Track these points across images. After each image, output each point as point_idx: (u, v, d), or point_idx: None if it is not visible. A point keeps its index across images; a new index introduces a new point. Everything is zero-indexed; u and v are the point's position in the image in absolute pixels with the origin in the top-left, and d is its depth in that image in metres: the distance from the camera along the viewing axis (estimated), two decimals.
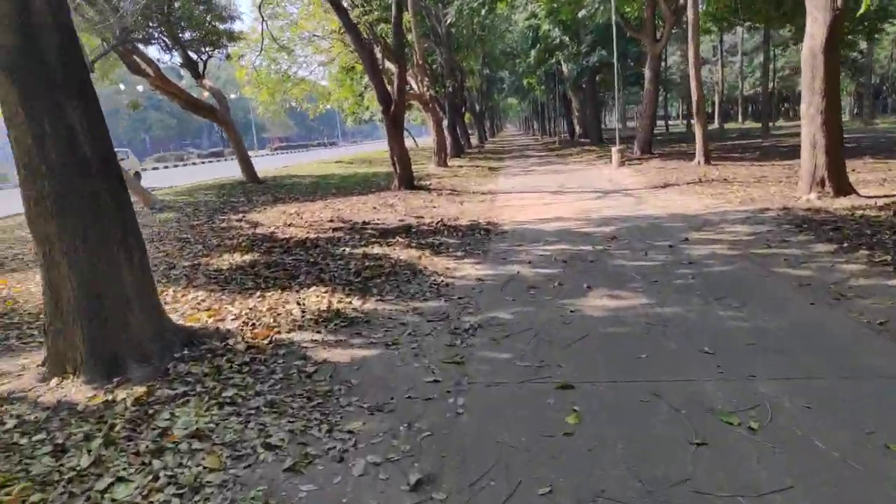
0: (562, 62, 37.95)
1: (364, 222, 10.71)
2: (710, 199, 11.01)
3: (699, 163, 16.66)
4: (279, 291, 6.02)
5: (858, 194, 9.47)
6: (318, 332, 4.86)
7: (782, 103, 66.52)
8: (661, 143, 29.87)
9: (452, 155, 29.14)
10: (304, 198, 15.38)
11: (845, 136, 10.25)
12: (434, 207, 12.26)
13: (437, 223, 10.22)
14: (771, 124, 33.20)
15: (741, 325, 4.60)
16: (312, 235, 9.34)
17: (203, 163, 46.76)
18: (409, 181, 15.25)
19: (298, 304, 5.53)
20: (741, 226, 8.32)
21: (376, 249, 7.93)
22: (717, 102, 68.48)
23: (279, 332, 4.84)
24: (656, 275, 6.14)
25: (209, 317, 5.30)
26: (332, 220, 10.99)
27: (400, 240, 8.66)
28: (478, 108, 52.94)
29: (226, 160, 50.36)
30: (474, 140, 48.85)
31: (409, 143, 54.42)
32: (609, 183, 14.99)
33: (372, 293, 5.92)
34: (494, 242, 8.34)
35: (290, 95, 33.33)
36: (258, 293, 5.99)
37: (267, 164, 37.22)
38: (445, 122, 31.09)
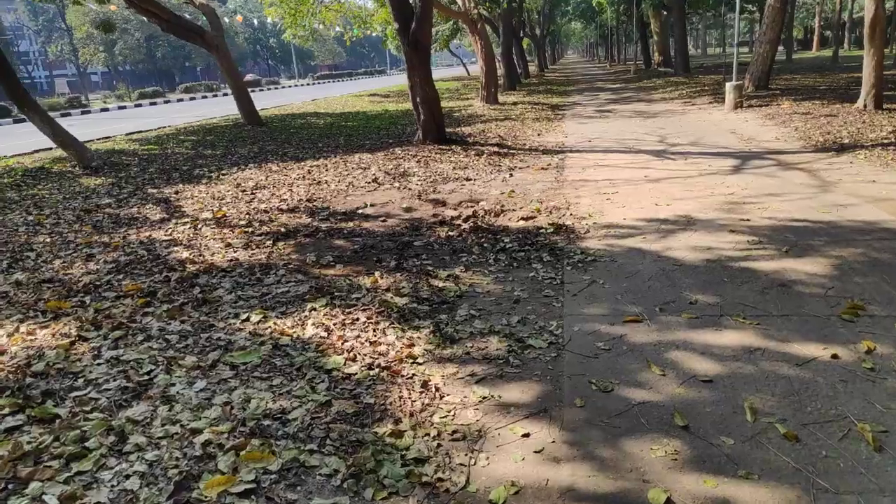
0: None
1: (344, 215, 6.37)
2: None
3: (864, 107, 11.35)
4: None
5: None
6: None
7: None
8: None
9: (506, 88, 24.05)
10: (295, 151, 11.09)
11: None
12: (466, 180, 7.77)
13: (464, 220, 5.81)
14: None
15: None
16: (230, 255, 5.08)
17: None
18: (437, 132, 10.68)
19: None
20: None
21: (309, 327, 3.57)
22: (816, 27, 59.24)
23: None
24: None
25: None
26: (294, 209, 6.68)
27: (380, 280, 4.30)
28: (538, 32, 46.51)
29: (261, 90, 46.16)
30: (533, 68, 42.84)
31: (458, 71, 49.02)
32: (736, 137, 10.01)
33: None
34: (574, 298, 3.87)
35: (322, 18, 28.64)
36: None
37: (298, 96, 32.97)
38: (499, 49, 25.81)
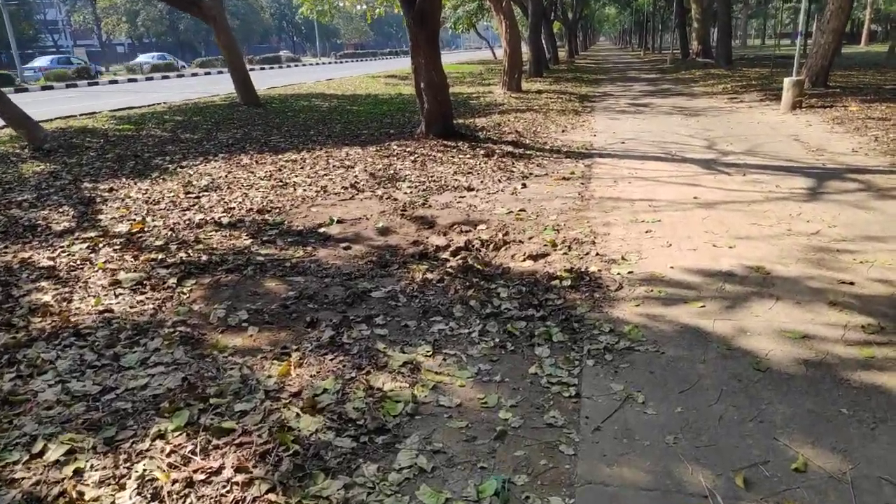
0: None
1: (298, 236, 4.87)
2: None
3: None
4: None
5: None
6: None
7: None
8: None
9: (531, 74, 22.19)
10: (279, 140, 9.61)
11: None
12: (468, 190, 6.20)
13: (453, 253, 4.28)
14: None
15: None
16: (109, 300, 3.60)
17: (262, 69, 40.96)
18: (443, 123, 9.07)
19: None
20: None
21: (130, 487, 2.03)
22: (867, 20, 55.87)
23: None
24: None
25: None
26: (238, 223, 5.18)
27: (295, 369, 2.79)
28: (570, 15, 44.20)
29: (280, 67, 44.70)
30: (562, 54, 40.64)
31: (485, 54, 47.09)
32: (802, 146, 8.24)
33: None
34: (596, 437, 2.33)
35: None
36: None
37: (315, 74, 31.49)
38: (526, 32, 23.96)
